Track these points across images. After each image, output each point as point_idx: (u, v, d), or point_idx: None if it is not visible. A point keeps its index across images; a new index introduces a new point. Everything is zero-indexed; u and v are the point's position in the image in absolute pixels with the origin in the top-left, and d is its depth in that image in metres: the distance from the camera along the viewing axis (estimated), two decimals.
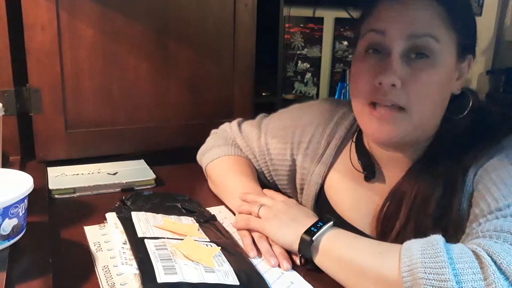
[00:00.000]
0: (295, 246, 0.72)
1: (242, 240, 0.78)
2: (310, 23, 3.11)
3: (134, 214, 0.78)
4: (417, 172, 0.77)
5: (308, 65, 3.17)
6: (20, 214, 0.68)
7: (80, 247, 0.74)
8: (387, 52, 0.73)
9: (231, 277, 0.64)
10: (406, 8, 0.72)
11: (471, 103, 0.76)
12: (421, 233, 0.62)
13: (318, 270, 0.70)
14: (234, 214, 0.88)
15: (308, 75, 3.20)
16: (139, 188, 1.02)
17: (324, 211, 0.87)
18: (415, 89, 0.71)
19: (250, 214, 0.81)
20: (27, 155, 1.11)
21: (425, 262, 0.55)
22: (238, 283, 0.63)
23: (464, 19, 0.76)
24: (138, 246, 0.67)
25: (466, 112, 0.76)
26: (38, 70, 1.06)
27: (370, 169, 0.84)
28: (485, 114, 0.78)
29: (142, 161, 1.16)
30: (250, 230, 0.79)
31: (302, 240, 0.70)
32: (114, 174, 1.05)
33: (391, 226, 0.76)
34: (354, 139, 0.89)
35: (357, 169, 0.86)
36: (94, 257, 0.71)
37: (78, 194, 0.97)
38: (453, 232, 0.70)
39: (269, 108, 1.15)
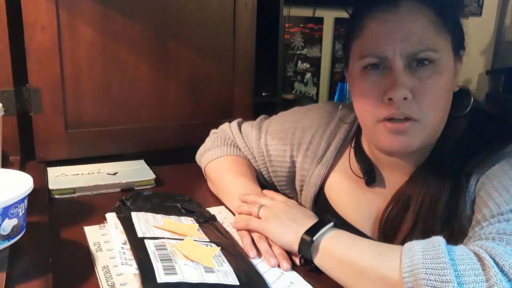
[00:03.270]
0: (295, 247, 0.71)
1: (242, 240, 0.77)
2: (310, 23, 3.10)
3: (134, 214, 0.78)
4: (422, 175, 0.76)
5: (308, 65, 3.17)
6: (20, 214, 0.68)
7: (80, 247, 0.74)
8: (388, 66, 0.72)
9: (231, 277, 0.64)
10: (399, 23, 0.71)
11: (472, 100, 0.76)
12: (428, 236, 0.61)
13: (318, 270, 0.70)
14: (234, 214, 0.88)
15: (308, 75, 3.19)
16: (139, 188, 1.02)
17: (325, 212, 0.87)
18: (426, 98, 0.71)
19: (249, 214, 0.81)
20: (27, 155, 1.11)
21: (426, 263, 0.55)
22: (238, 283, 0.63)
23: (453, 17, 0.75)
24: (138, 246, 0.67)
25: (468, 108, 0.76)
26: (38, 70, 1.06)
27: (370, 175, 0.84)
28: (483, 117, 0.78)
29: (142, 161, 1.15)
30: (249, 231, 0.79)
31: (302, 240, 0.70)
32: (114, 174, 1.05)
33: (395, 229, 0.76)
34: (353, 145, 0.89)
35: (357, 175, 0.86)
36: (94, 257, 0.71)
37: (78, 194, 0.96)
38: (459, 233, 0.70)
39: (269, 108, 1.16)
